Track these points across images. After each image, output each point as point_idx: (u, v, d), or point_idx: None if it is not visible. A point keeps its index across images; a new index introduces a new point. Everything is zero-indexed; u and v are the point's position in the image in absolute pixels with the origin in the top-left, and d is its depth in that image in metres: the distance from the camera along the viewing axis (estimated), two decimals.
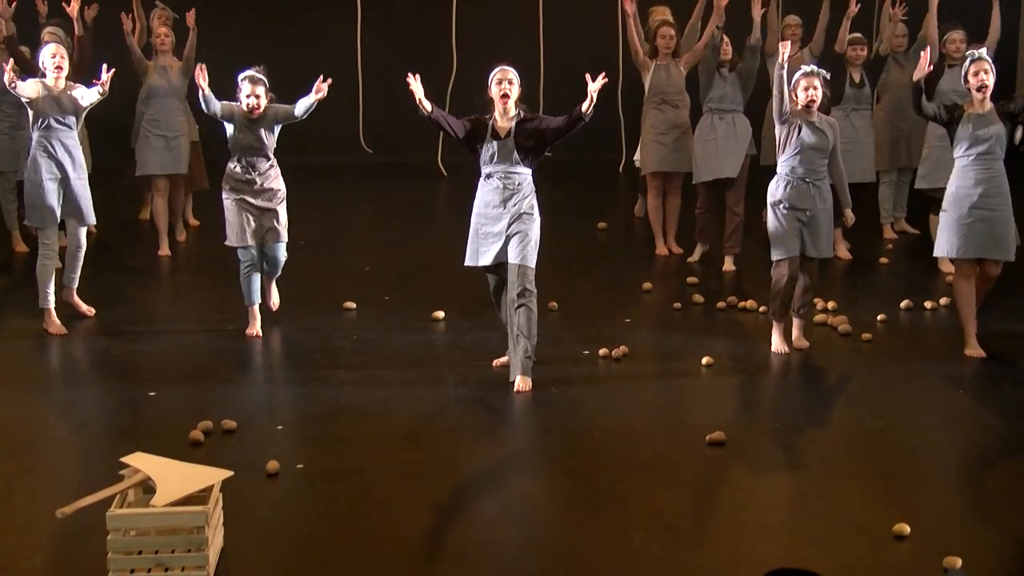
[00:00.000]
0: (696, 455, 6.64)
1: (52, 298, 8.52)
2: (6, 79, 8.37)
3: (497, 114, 7.58)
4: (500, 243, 7.58)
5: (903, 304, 9.15)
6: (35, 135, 8.43)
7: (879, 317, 8.83)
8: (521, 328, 7.49)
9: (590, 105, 7.48)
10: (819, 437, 7.03)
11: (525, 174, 7.63)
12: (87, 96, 8.41)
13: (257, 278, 8.43)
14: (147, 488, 5.44)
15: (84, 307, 8.84)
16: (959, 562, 5.32)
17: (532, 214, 7.62)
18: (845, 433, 7.04)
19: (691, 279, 9.90)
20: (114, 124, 11.25)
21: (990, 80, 7.88)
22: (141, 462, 5.50)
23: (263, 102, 8.14)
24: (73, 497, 5.40)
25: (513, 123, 7.57)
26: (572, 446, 6.83)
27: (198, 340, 8.59)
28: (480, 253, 7.66)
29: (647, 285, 9.72)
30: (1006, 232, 7.98)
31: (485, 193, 7.66)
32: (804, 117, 7.96)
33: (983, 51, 8.08)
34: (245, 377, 7.84)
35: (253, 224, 8.30)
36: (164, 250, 10.69)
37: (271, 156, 8.33)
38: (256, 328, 8.45)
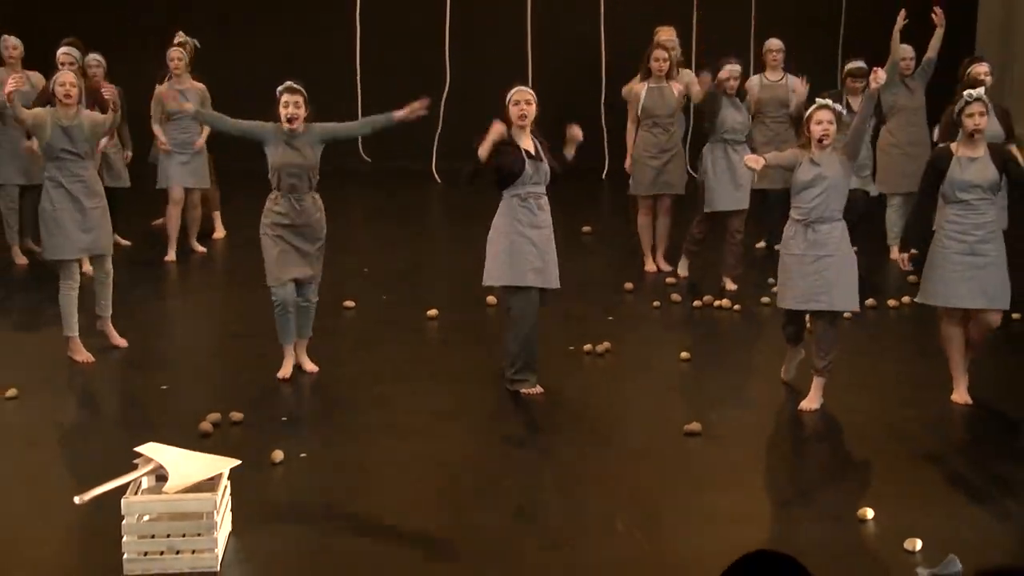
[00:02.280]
0: (674, 445, 6.89)
1: (76, 325, 8.06)
2: (3, 93, 8.08)
3: (518, 136, 7.51)
4: (542, 266, 7.55)
5: (868, 302, 9.14)
6: (47, 166, 7.97)
7: (845, 315, 8.91)
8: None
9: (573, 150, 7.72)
10: (790, 428, 7.29)
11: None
12: (99, 123, 8.03)
13: (292, 318, 7.78)
14: (160, 476, 5.65)
15: (117, 338, 8.37)
16: (919, 543, 5.60)
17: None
18: (814, 424, 7.28)
19: (670, 279, 10.10)
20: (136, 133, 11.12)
21: (986, 123, 7.32)
22: (154, 452, 5.70)
23: (302, 112, 7.64)
24: (90, 484, 5.57)
25: (534, 143, 7.55)
26: (558, 438, 7.06)
27: (207, 338, 8.88)
28: (521, 273, 7.52)
29: (629, 285, 9.95)
30: (998, 280, 7.32)
31: (524, 214, 7.51)
32: (816, 150, 7.31)
33: (980, 91, 7.35)
34: (251, 372, 8.00)
35: (292, 260, 7.75)
36: (171, 256, 10.79)
37: (313, 184, 7.76)
38: (289, 370, 7.85)
